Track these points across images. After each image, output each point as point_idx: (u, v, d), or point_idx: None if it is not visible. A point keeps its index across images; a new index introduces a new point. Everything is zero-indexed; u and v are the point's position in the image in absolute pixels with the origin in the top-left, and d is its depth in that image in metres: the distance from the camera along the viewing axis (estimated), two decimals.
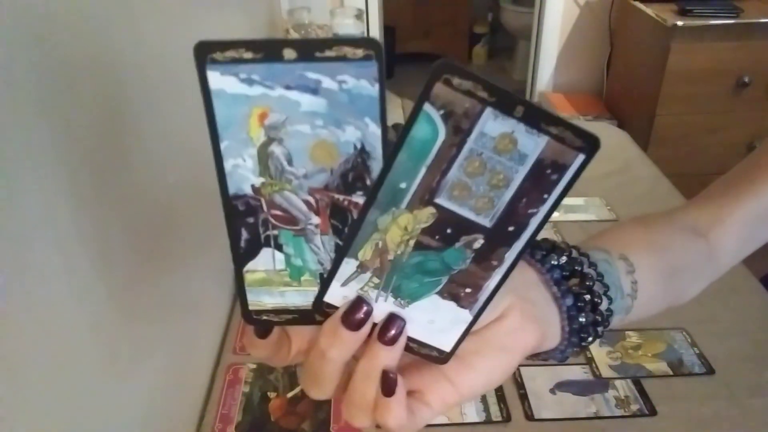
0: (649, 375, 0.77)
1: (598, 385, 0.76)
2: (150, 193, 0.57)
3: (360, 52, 0.25)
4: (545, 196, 0.27)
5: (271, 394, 0.74)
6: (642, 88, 2.15)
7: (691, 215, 0.44)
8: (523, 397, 0.74)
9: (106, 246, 0.48)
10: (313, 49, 0.24)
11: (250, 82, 0.25)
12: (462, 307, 0.30)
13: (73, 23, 0.43)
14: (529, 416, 0.72)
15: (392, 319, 0.30)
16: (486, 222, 0.28)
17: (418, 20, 3.57)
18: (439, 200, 0.27)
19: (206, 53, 0.25)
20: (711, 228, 0.43)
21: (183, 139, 0.68)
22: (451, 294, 0.30)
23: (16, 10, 0.36)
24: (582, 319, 0.36)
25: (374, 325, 0.30)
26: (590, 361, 0.79)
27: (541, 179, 0.26)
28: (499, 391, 0.75)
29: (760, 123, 2.04)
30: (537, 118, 0.25)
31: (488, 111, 0.25)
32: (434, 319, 0.30)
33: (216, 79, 0.25)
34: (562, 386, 0.76)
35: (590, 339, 0.37)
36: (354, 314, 0.29)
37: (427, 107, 0.25)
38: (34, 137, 0.38)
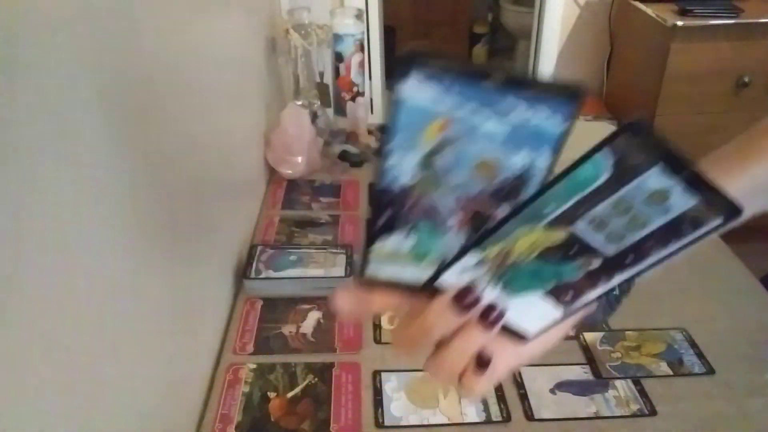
0: (649, 375, 0.77)
1: (598, 385, 0.76)
2: (150, 192, 0.57)
3: (564, 95, 0.26)
4: (672, 241, 0.28)
5: (271, 394, 0.74)
6: (642, 88, 2.15)
7: None
8: (523, 397, 0.74)
9: (106, 246, 0.48)
10: (519, 84, 0.26)
11: (444, 93, 0.26)
12: (557, 306, 0.32)
13: (75, 20, 0.43)
14: (529, 416, 0.72)
15: (494, 306, 0.32)
16: (609, 251, 0.29)
17: (418, 20, 3.57)
18: (575, 228, 0.28)
19: (414, 62, 0.25)
20: None
21: (183, 138, 0.68)
22: (553, 295, 0.32)
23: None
24: (616, 292, 0.40)
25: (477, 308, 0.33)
26: (590, 361, 0.79)
27: (676, 229, 0.28)
28: (499, 391, 0.75)
29: None
30: (698, 182, 0.26)
31: (657, 168, 0.26)
32: (529, 311, 0.33)
33: (414, 81, 0.26)
34: (562, 386, 0.76)
35: (617, 306, 0.43)
36: (464, 299, 0.32)
37: (604, 153, 0.26)
38: (37, 134, 0.38)
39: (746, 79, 1.98)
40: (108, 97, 0.48)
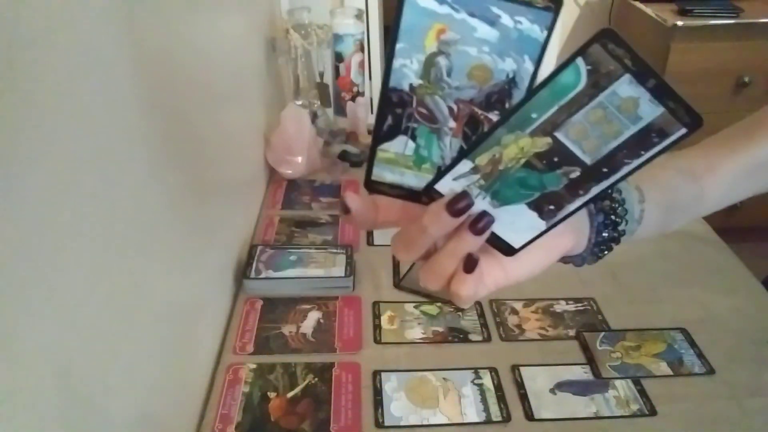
0: (649, 375, 0.77)
1: (598, 385, 0.76)
2: (149, 192, 0.57)
3: (542, 2, 0.30)
4: (642, 152, 0.32)
5: (271, 394, 0.74)
6: None
7: (690, 159, 0.50)
8: (523, 397, 0.74)
9: (106, 246, 0.48)
10: None
11: (441, 1, 0.31)
12: (541, 218, 0.36)
13: (75, 19, 0.43)
14: (529, 416, 0.72)
15: (484, 214, 0.36)
16: (587, 160, 0.33)
17: None
18: (558, 134, 0.32)
19: None
20: (704, 174, 0.49)
21: (183, 138, 0.68)
22: (537, 207, 0.35)
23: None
24: (605, 234, 0.44)
25: (469, 215, 0.36)
26: (590, 361, 0.79)
27: (645, 139, 0.32)
28: (499, 391, 0.75)
29: None
30: (663, 92, 0.31)
31: (627, 77, 0.30)
32: (515, 222, 0.36)
33: None
34: (562, 386, 0.76)
35: (606, 252, 0.45)
36: (458, 204, 0.35)
37: (579, 61, 0.30)
38: (37, 134, 0.38)
39: (746, 79, 1.98)
40: (107, 97, 0.48)
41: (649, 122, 0.31)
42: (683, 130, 0.31)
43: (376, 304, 0.88)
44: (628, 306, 0.90)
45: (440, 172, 0.35)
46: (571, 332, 0.84)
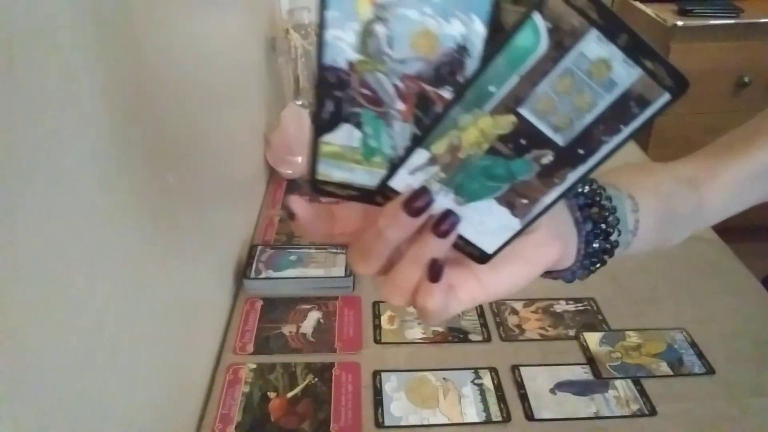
0: (649, 375, 0.77)
1: (598, 385, 0.76)
2: (150, 192, 0.57)
3: None
4: (622, 126, 0.28)
5: (271, 394, 0.74)
6: None
7: (689, 168, 0.47)
8: (523, 397, 0.74)
9: (106, 246, 0.48)
10: None
11: None
12: (514, 215, 0.31)
13: (76, 19, 0.43)
14: (529, 416, 0.72)
15: (448, 214, 0.31)
16: (560, 140, 0.28)
17: None
18: (522, 110, 0.28)
19: None
20: (704, 183, 0.46)
21: (183, 138, 0.68)
22: (508, 201, 0.31)
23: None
24: (596, 245, 0.40)
25: (430, 216, 0.32)
26: (590, 361, 0.79)
27: (624, 110, 0.27)
28: (499, 391, 0.75)
29: None
30: (638, 49, 0.26)
31: (593, 33, 0.25)
32: (485, 221, 0.32)
33: None
34: (562, 386, 0.76)
35: (598, 265, 0.41)
36: (415, 202, 0.31)
37: (537, 17, 0.25)
38: (39, 134, 0.38)
39: (746, 79, 1.98)
40: (107, 97, 0.48)
41: (626, 88, 0.27)
42: (667, 96, 0.27)
43: (376, 304, 0.88)
44: (628, 306, 0.90)
45: (394, 166, 0.30)
46: (571, 332, 0.84)
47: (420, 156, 0.30)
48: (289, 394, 0.74)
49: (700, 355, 0.80)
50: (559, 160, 0.29)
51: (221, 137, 0.87)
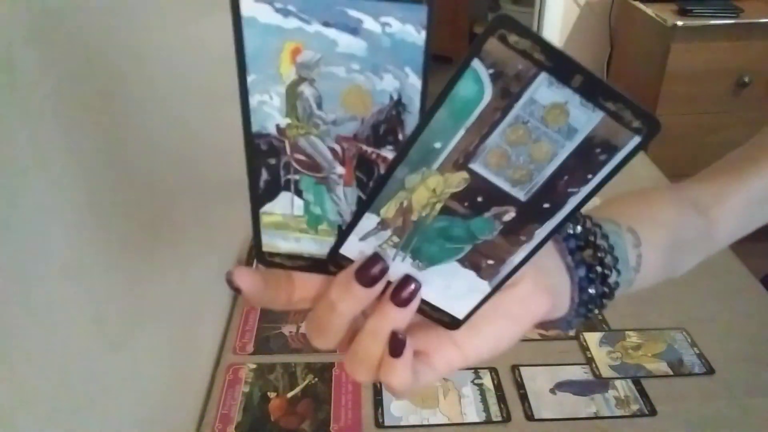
0: (649, 375, 0.77)
1: (598, 385, 0.76)
2: (150, 192, 0.57)
3: None
4: (589, 176, 0.25)
5: (271, 394, 0.74)
6: (642, 88, 2.15)
7: (694, 191, 0.44)
8: (523, 397, 0.74)
9: (106, 246, 0.48)
10: None
11: (285, 12, 0.23)
12: (481, 277, 0.29)
13: (73, 22, 0.43)
14: (529, 416, 0.72)
15: (407, 280, 0.29)
16: (521, 195, 0.26)
17: None
18: (474, 166, 0.25)
19: None
20: (712, 206, 0.43)
21: (184, 139, 0.68)
22: (472, 263, 0.28)
23: (17, 7, 0.36)
24: (591, 291, 0.36)
25: (388, 283, 0.29)
26: (590, 361, 0.79)
27: (588, 158, 0.24)
28: (499, 391, 0.75)
29: (760, 123, 2.03)
30: (596, 90, 0.23)
31: (543, 76, 0.22)
32: (450, 286, 0.29)
33: (249, 5, 0.23)
34: (562, 386, 0.76)
35: (596, 311, 0.37)
36: (369, 270, 0.28)
37: (476, 64, 0.22)
38: (39, 134, 0.38)
39: (746, 79, 1.98)
40: (107, 97, 0.48)
41: (588, 134, 0.24)
42: (636, 139, 0.23)
43: None
44: (628, 306, 0.90)
45: (342, 233, 0.28)
46: (571, 332, 0.84)
47: (369, 221, 0.27)
48: (289, 394, 0.74)
49: (700, 355, 0.80)
50: (523, 217, 0.27)
51: (221, 137, 0.86)
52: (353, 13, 0.23)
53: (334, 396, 0.73)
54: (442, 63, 3.74)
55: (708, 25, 1.93)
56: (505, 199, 0.26)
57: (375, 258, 0.28)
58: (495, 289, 0.29)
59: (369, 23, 0.23)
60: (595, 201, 0.28)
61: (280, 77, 0.25)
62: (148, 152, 0.57)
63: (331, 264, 0.29)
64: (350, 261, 0.29)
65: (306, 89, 0.25)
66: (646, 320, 0.87)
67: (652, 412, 0.72)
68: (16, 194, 0.36)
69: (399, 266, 0.29)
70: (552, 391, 0.75)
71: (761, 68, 1.97)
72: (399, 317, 0.29)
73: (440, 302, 0.30)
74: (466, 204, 0.26)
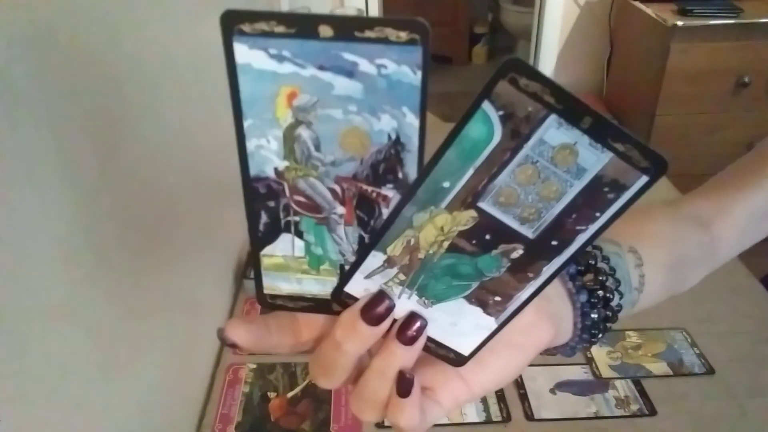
0: (649, 375, 0.77)
1: (598, 385, 0.76)
2: (150, 192, 0.57)
3: (404, 36, 0.23)
4: (597, 214, 0.25)
5: (271, 394, 0.74)
6: (642, 88, 2.15)
7: (696, 205, 0.44)
8: (523, 397, 0.74)
9: (106, 246, 0.48)
10: (352, 28, 0.23)
11: (280, 58, 0.23)
12: (488, 314, 0.29)
13: (72, 22, 0.43)
14: (529, 416, 0.72)
15: (413, 318, 0.28)
16: (529, 233, 0.26)
17: None
18: (482, 205, 0.25)
19: (234, 23, 0.23)
20: (714, 219, 0.43)
21: (184, 138, 0.68)
22: (479, 300, 0.29)
23: (14, 10, 0.36)
24: (594, 316, 0.36)
25: (394, 321, 0.29)
26: (590, 361, 0.79)
27: (597, 197, 0.25)
28: (499, 391, 0.75)
29: (760, 123, 2.04)
30: (605, 132, 0.23)
31: (552, 118, 0.23)
32: (457, 323, 0.29)
33: (243, 52, 0.23)
34: (562, 386, 0.76)
35: (600, 336, 0.37)
36: (374, 308, 0.28)
37: (486, 106, 0.23)
38: (32, 137, 0.38)
39: (746, 79, 1.98)
40: (107, 97, 0.48)
41: (596, 174, 0.24)
42: (644, 179, 0.24)
43: None
44: None
45: (348, 271, 0.28)
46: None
47: (375, 259, 0.27)
48: (289, 394, 0.74)
49: (700, 355, 0.80)
50: (531, 254, 0.27)
51: (222, 137, 0.87)
52: (348, 57, 0.23)
53: (334, 396, 0.73)
54: (442, 63, 3.74)
55: (708, 25, 1.93)
56: (513, 236, 0.26)
57: (381, 295, 0.28)
58: (501, 326, 0.29)
59: (364, 66, 0.24)
60: None
61: (277, 121, 0.25)
62: (147, 153, 0.57)
63: (335, 303, 0.29)
64: (355, 299, 0.29)
65: (303, 132, 0.25)
66: (646, 320, 0.87)
67: (652, 412, 0.72)
68: (10, 200, 0.36)
69: (405, 304, 0.29)
70: (552, 391, 0.75)
71: (761, 68, 1.97)
72: (406, 356, 0.29)
73: (446, 339, 0.30)
74: (473, 242, 0.27)
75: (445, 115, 2.05)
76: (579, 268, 0.36)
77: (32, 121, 0.38)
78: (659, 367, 0.79)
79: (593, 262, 0.36)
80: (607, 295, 0.36)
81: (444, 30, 3.61)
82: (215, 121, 0.83)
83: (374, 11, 2.10)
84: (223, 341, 0.30)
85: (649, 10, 2.05)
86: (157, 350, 0.60)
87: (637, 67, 2.22)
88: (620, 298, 0.37)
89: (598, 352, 0.81)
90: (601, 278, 0.36)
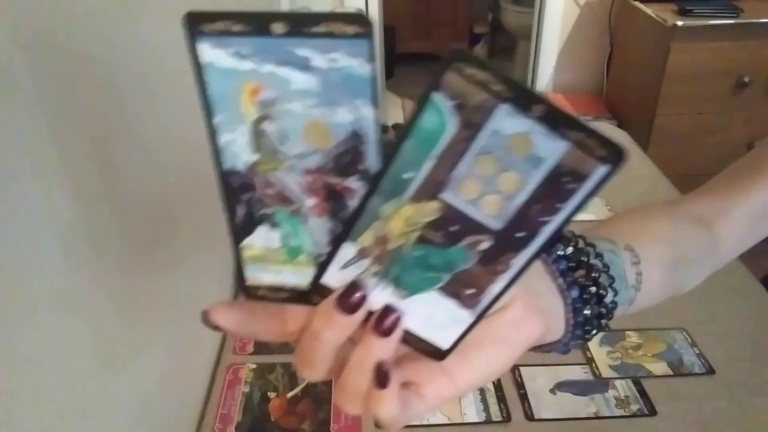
0: (649, 375, 0.77)
1: (598, 385, 0.76)
2: (150, 192, 0.57)
3: (351, 30, 0.23)
4: (559, 205, 0.25)
5: (271, 394, 0.74)
6: (642, 88, 2.15)
7: (697, 205, 0.44)
8: (523, 397, 0.74)
9: (106, 246, 0.48)
10: (301, 24, 0.23)
11: (239, 56, 0.24)
12: (464, 307, 0.29)
13: (71, 21, 0.43)
14: (529, 416, 0.72)
15: (389, 310, 0.29)
16: (494, 224, 0.26)
17: (418, 20, 3.57)
18: (444, 196, 0.26)
19: (196, 24, 0.24)
20: (715, 218, 0.43)
21: (183, 138, 0.68)
22: (453, 292, 0.29)
23: (16, 10, 0.36)
24: (587, 312, 0.35)
25: (371, 313, 0.29)
26: (590, 361, 0.79)
27: (558, 187, 0.25)
28: (499, 391, 0.75)
29: (760, 123, 2.04)
30: (558, 120, 0.23)
31: (503, 107, 0.23)
32: (433, 315, 0.29)
33: (207, 51, 0.24)
34: (562, 386, 0.76)
35: (594, 332, 0.36)
36: (348, 297, 0.28)
37: (436, 97, 0.23)
38: (33, 137, 0.38)
39: (746, 79, 1.98)
40: (107, 96, 0.48)
41: (554, 163, 0.24)
42: (604, 168, 0.24)
43: None
44: None
45: (323, 263, 0.29)
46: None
47: (348, 250, 0.28)
48: (289, 394, 0.74)
49: (700, 355, 0.80)
50: (499, 246, 0.27)
51: None
52: (301, 52, 0.24)
53: (333, 396, 0.73)
54: None
55: (708, 25, 1.93)
56: (478, 228, 0.27)
57: (354, 285, 0.28)
58: (478, 319, 0.29)
59: (317, 60, 0.24)
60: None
61: (243, 116, 0.26)
62: (147, 154, 0.57)
63: (313, 294, 0.30)
64: (332, 290, 0.29)
65: (268, 126, 0.26)
66: (645, 320, 0.87)
67: (652, 412, 0.72)
68: (10, 200, 0.36)
69: (381, 295, 0.29)
70: (552, 391, 0.75)
71: (761, 68, 1.97)
72: (383, 348, 0.29)
73: (424, 332, 0.30)
74: (441, 233, 0.27)
75: None
76: (571, 264, 0.36)
77: (32, 121, 0.38)
78: (659, 367, 0.79)
79: (585, 259, 0.36)
80: (600, 291, 0.36)
81: (444, 30, 3.61)
82: None
83: (374, 11, 2.10)
84: (206, 323, 0.30)
85: (649, 10, 2.05)
86: (157, 350, 0.60)
87: (637, 67, 2.22)
88: (615, 295, 0.36)
89: (598, 352, 0.81)
90: (594, 275, 0.36)
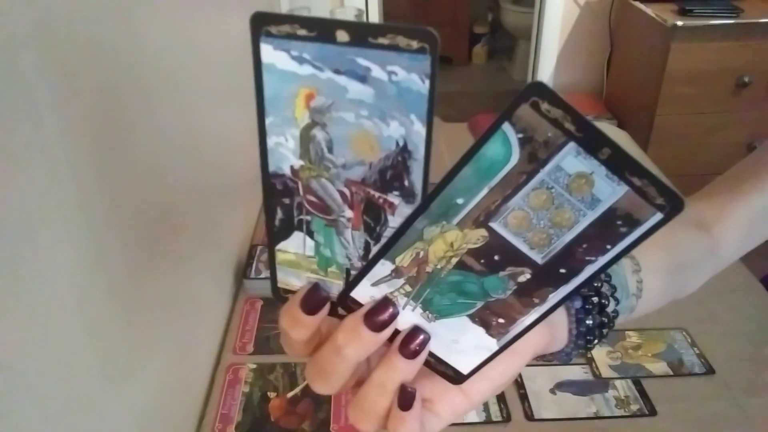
0: (649, 375, 0.77)
1: (598, 385, 0.76)
2: (150, 192, 0.57)
3: (414, 44, 0.23)
4: (608, 246, 0.25)
5: (271, 394, 0.74)
6: (642, 88, 2.15)
7: (696, 208, 0.43)
8: (523, 397, 0.74)
9: (106, 246, 0.48)
10: (366, 34, 0.23)
11: (300, 60, 0.25)
12: (490, 335, 0.29)
13: (74, 23, 0.43)
14: (529, 416, 0.72)
15: (416, 332, 0.28)
16: (538, 258, 0.26)
17: (418, 20, 3.57)
18: (494, 225, 0.26)
19: (262, 25, 0.24)
20: (715, 222, 0.43)
21: (183, 139, 0.68)
22: (482, 320, 0.29)
23: (18, 10, 0.36)
24: (589, 322, 0.35)
25: (397, 332, 0.29)
26: (590, 361, 0.79)
27: (609, 229, 0.25)
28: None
29: (760, 123, 2.04)
30: (622, 164, 0.23)
31: (571, 146, 0.23)
32: (458, 340, 0.29)
33: (268, 52, 0.25)
34: (562, 386, 0.76)
35: (596, 341, 0.37)
36: (378, 315, 0.28)
37: (506, 127, 0.23)
38: (35, 137, 0.38)
39: (746, 79, 1.98)
40: (107, 97, 0.48)
41: (610, 206, 0.24)
42: (658, 216, 0.24)
43: None
44: None
45: (355, 276, 0.29)
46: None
47: (383, 267, 0.28)
48: (289, 394, 0.74)
49: (700, 355, 0.80)
50: (538, 279, 0.27)
51: (221, 137, 0.87)
52: (362, 62, 0.24)
53: (334, 396, 0.73)
54: (442, 63, 3.74)
55: (708, 25, 1.93)
56: (521, 260, 0.26)
57: (385, 302, 0.28)
58: (502, 349, 0.29)
59: (377, 71, 0.24)
60: None
61: (295, 120, 0.26)
62: (149, 152, 0.57)
63: (340, 307, 0.29)
64: (359, 305, 0.29)
65: (318, 133, 0.26)
66: (645, 320, 0.86)
67: (652, 412, 0.72)
68: (10, 199, 0.36)
69: (409, 316, 0.29)
70: (552, 391, 0.75)
71: (761, 68, 1.97)
72: (406, 369, 0.29)
73: (446, 356, 0.30)
74: (482, 261, 0.27)
75: (445, 115, 2.04)
76: None
77: (31, 121, 0.38)
78: (659, 367, 0.79)
79: None
80: (602, 301, 0.36)
81: (444, 30, 3.60)
82: (216, 121, 0.83)
83: (374, 11, 2.10)
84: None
85: (649, 10, 2.05)
86: (157, 350, 0.60)
87: (637, 67, 2.22)
88: (616, 304, 0.37)
89: (598, 352, 0.81)
90: (596, 285, 0.36)
